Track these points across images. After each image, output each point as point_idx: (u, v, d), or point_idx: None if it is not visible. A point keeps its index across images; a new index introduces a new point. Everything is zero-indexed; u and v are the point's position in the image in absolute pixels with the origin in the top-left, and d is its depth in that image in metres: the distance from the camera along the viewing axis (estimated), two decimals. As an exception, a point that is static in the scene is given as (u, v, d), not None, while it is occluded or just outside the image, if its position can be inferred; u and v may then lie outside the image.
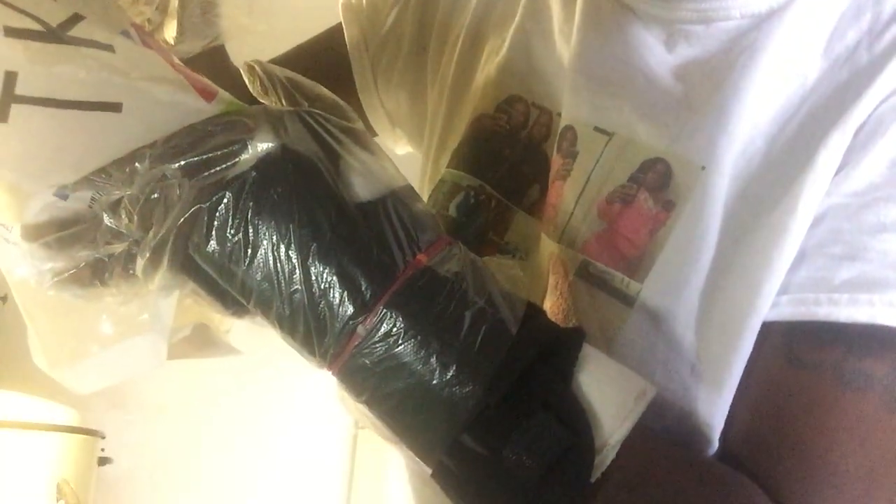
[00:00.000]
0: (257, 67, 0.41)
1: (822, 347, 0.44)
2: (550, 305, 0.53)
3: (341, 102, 0.40)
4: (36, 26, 0.37)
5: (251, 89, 0.41)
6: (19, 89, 0.35)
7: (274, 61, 0.74)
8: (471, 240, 0.59)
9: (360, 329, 0.35)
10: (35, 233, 0.36)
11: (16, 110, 0.35)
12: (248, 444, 1.90)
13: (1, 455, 1.32)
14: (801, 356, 0.44)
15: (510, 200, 0.59)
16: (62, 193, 0.35)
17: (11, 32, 0.36)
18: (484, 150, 0.61)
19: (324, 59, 0.75)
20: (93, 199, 0.36)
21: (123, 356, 0.42)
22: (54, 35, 0.37)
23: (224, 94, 0.39)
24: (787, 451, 0.44)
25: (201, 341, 0.46)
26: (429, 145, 0.68)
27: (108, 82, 0.36)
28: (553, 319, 0.52)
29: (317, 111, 0.38)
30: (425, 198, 0.64)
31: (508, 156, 0.60)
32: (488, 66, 0.63)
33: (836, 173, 0.45)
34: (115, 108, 0.36)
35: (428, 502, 0.63)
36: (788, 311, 0.45)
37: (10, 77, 0.35)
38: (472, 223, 0.60)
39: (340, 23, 0.75)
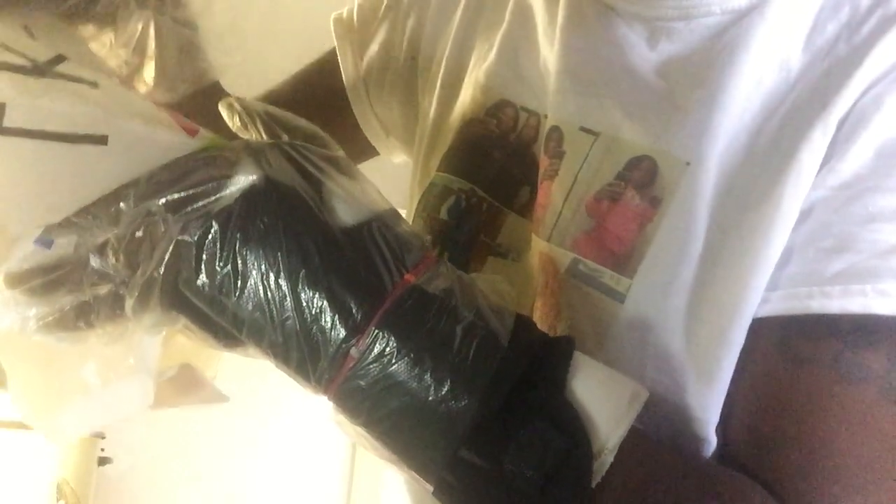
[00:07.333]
0: (235, 104, 0.41)
1: (817, 341, 0.44)
2: (541, 304, 0.53)
3: (320, 132, 0.40)
4: (22, 61, 0.37)
5: (231, 126, 0.42)
6: (7, 121, 0.35)
7: (275, 88, 0.74)
8: (463, 242, 0.59)
9: (354, 351, 0.36)
10: (18, 280, 0.36)
11: (3, 142, 0.35)
12: (248, 445, 1.90)
13: (1, 455, 1.31)
14: (797, 351, 0.44)
15: (501, 203, 0.59)
16: (46, 241, 0.35)
17: None
18: (474, 154, 0.61)
19: (318, 78, 0.75)
20: (78, 244, 0.36)
21: (108, 401, 0.41)
22: (40, 70, 0.37)
23: (206, 132, 0.39)
24: (788, 445, 0.44)
25: (187, 383, 0.46)
26: (419, 150, 0.68)
27: (94, 116, 0.36)
28: (544, 318, 0.52)
29: (297, 142, 0.38)
30: (416, 201, 0.64)
31: (498, 159, 0.60)
32: (476, 72, 0.63)
33: (822, 166, 0.45)
34: (100, 140, 0.36)
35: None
36: (781, 306, 0.45)
37: None
38: (464, 226, 0.60)
39: (334, 47, 0.75)
